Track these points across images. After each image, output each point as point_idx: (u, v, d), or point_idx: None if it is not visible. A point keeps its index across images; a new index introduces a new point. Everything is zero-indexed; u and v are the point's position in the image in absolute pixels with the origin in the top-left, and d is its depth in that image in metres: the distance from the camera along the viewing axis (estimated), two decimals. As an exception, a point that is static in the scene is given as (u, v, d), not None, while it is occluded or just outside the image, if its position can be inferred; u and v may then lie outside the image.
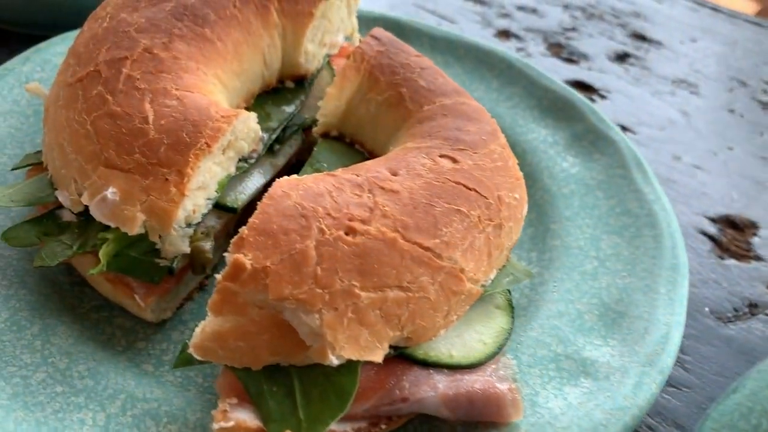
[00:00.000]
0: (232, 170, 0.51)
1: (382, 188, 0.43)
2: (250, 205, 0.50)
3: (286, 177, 0.44)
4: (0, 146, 0.59)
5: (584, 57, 0.92)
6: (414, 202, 0.42)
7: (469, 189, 0.45)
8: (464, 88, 0.72)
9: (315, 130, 0.56)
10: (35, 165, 0.53)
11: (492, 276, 0.46)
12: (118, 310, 0.51)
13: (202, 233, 0.50)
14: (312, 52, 0.61)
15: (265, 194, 0.41)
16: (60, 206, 0.49)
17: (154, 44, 0.51)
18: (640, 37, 0.97)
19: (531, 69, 0.73)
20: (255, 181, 0.55)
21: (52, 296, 0.51)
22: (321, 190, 0.42)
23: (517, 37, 0.93)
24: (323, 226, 0.39)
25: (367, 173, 0.44)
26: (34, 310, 0.49)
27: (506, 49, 0.90)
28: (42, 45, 0.67)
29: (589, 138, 0.67)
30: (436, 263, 0.41)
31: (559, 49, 0.93)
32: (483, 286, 0.45)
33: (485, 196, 0.45)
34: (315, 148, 0.55)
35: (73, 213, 0.48)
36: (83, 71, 0.50)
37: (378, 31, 0.57)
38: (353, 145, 0.56)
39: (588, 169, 0.65)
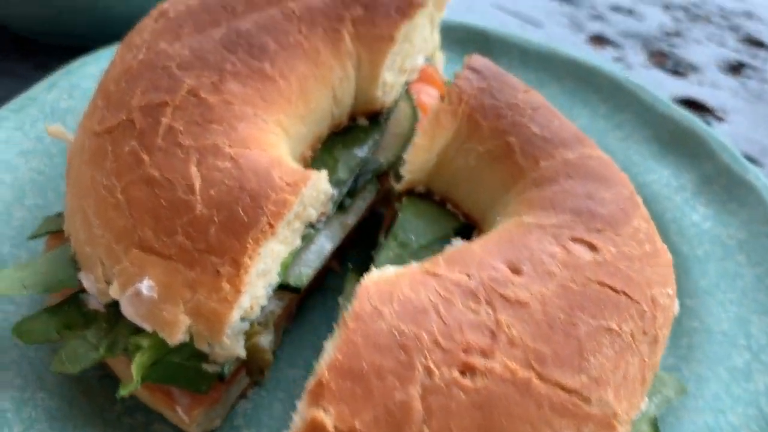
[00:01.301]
0: (297, 243, 0.41)
1: (505, 298, 0.32)
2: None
3: (374, 277, 0.33)
4: (19, 194, 0.49)
5: (692, 68, 0.79)
6: (549, 319, 0.31)
7: (617, 292, 0.34)
8: (565, 114, 0.61)
9: (398, 186, 0.45)
10: (56, 233, 0.43)
11: (643, 406, 0.35)
12: (157, 413, 0.41)
13: (259, 324, 0.39)
14: (390, 83, 0.50)
15: (350, 311, 0.31)
16: (84, 289, 0.39)
17: (200, 85, 0.40)
18: (756, 43, 0.84)
19: (644, 91, 0.61)
20: (322, 247, 0.44)
21: (77, 398, 0.41)
22: (423, 302, 0.31)
23: (613, 43, 0.81)
24: (431, 364, 0.29)
25: (479, 271, 0.33)
26: (54, 420, 0.39)
27: (602, 58, 0.78)
28: (71, 66, 0.58)
29: (722, 182, 0.55)
30: (584, 410, 0.30)
31: (662, 59, 0.80)
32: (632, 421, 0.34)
33: (637, 301, 0.34)
34: (399, 214, 0.44)
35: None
36: (113, 119, 0.40)
37: (477, 60, 0.46)
38: (444, 204, 0.45)
39: (724, 224, 0.53)
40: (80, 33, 0.67)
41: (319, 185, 0.40)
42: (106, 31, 0.68)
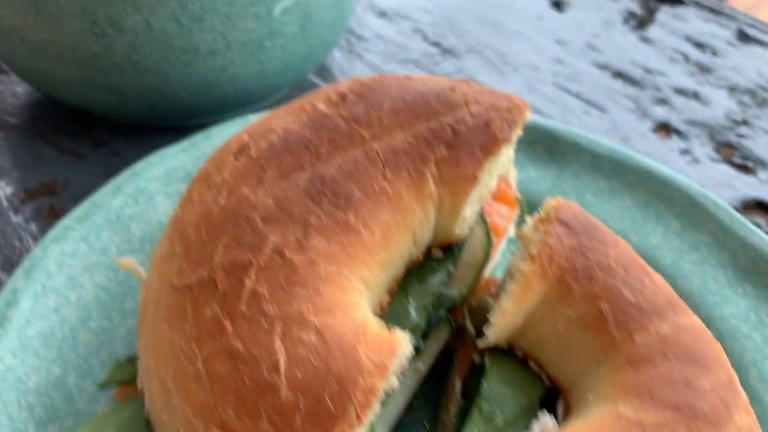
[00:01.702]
0: (377, 409, 0.39)
1: None
2: None
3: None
4: (84, 316, 0.48)
5: (761, 163, 0.76)
6: None
7: None
8: (638, 230, 0.59)
9: (480, 343, 0.44)
10: (127, 384, 0.42)
11: None
12: None
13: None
14: (468, 216, 0.48)
15: None
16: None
17: (285, 242, 0.39)
18: (827, 136, 0.81)
19: (721, 209, 0.59)
20: (396, 402, 0.43)
21: None
22: None
23: (678, 132, 0.78)
24: None
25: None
26: None
27: (668, 150, 0.75)
28: (136, 167, 0.56)
29: (806, 319, 0.53)
30: None
31: (729, 151, 0.77)
32: None
33: None
34: (483, 381, 0.42)
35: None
36: (194, 275, 0.38)
37: (566, 211, 0.44)
38: (527, 361, 0.43)
39: (810, 370, 0.50)
40: (142, 114, 0.66)
41: (403, 354, 0.39)
42: (168, 113, 0.67)
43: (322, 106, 0.46)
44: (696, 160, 0.75)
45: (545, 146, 0.65)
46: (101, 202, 0.54)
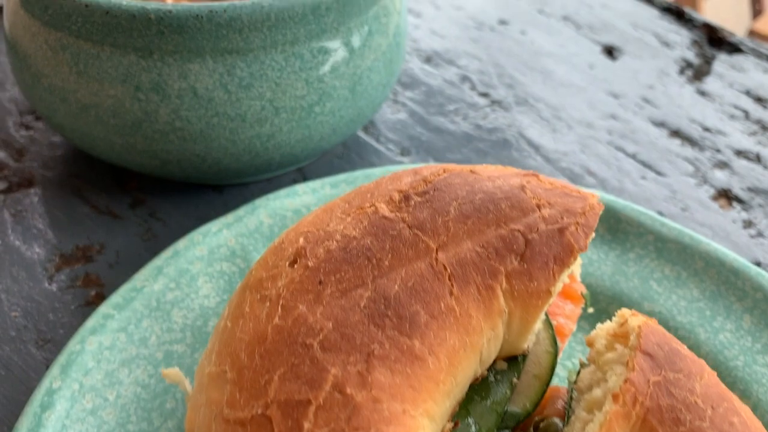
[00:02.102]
0: None
1: None
2: None
3: None
4: (122, 418, 0.45)
5: (830, 238, 0.72)
6: None
7: None
8: (706, 325, 0.55)
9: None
10: None
11: None
12: None
13: None
14: (536, 329, 0.45)
15: None
16: None
17: (346, 376, 0.36)
18: None
19: (796, 305, 0.55)
20: None
21: None
22: None
23: (740, 201, 0.74)
24: None
25: None
26: None
27: (731, 222, 0.71)
28: (178, 246, 0.54)
29: None
30: None
31: (795, 224, 0.73)
32: None
33: None
34: None
35: None
36: (247, 409, 0.35)
37: (650, 339, 0.40)
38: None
39: None
40: (183, 175, 0.64)
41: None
42: (210, 176, 0.64)
43: (384, 209, 0.42)
44: (760, 234, 0.71)
45: (607, 225, 0.61)
46: (141, 286, 0.51)
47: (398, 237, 0.41)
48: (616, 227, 0.61)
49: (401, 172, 0.47)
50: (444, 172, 0.45)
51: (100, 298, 0.58)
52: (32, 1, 0.56)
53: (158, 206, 0.66)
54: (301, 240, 0.42)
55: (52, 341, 0.55)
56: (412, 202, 0.43)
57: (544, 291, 0.41)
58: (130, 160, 0.61)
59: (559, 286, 0.44)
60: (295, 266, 0.40)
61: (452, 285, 0.40)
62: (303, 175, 0.71)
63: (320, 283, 0.39)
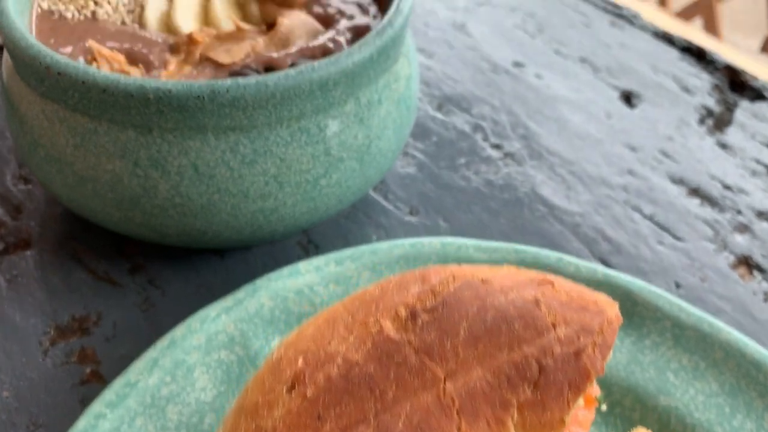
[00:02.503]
0: None
1: None
2: None
3: None
4: None
5: None
6: None
7: None
8: (725, 423, 0.53)
9: None
10: None
11: None
12: None
13: None
14: (549, 450, 0.42)
15: None
16: None
17: None
18: None
19: (821, 405, 0.53)
20: None
21: None
22: None
23: (761, 270, 0.72)
24: None
25: None
26: None
27: (751, 294, 0.69)
28: (175, 334, 0.51)
29: None
30: None
31: (819, 296, 0.70)
32: None
33: None
34: None
35: None
36: None
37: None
38: None
39: None
40: (183, 245, 0.61)
41: None
42: (210, 246, 0.62)
43: (389, 328, 0.40)
44: (781, 308, 0.69)
45: (623, 309, 0.59)
46: (135, 380, 0.49)
47: (404, 364, 0.38)
48: (632, 311, 0.58)
49: (408, 275, 0.44)
50: (454, 279, 0.43)
51: (96, 376, 0.56)
52: (27, 71, 0.53)
53: (158, 272, 0.64)
54: (300, 361, 0.39)
55: (44, 426, 0.53)
56: (420, 321, 0.40)
57: (558, 420, 0.39)
58: (129, 230, 0.59)
59: (573, 412, 0.41)
60: (293, 394, 0.38)
61: (460, 420, 0.37)
62: (307, 236, 0.69)
63: (319, 418, 0.37)
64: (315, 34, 0.64)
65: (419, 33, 0.97)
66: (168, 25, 0.63)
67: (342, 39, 0.63)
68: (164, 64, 0.59)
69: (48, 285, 0.62)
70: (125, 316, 0.60)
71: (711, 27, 2.76)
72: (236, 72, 0.59)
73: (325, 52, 0.62)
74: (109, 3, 0.63)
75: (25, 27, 0.56)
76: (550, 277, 0.45)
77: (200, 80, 0.52)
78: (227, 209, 0.56)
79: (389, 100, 0.61)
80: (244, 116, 0.52)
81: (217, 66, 0.59)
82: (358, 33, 0.64)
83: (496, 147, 0.81)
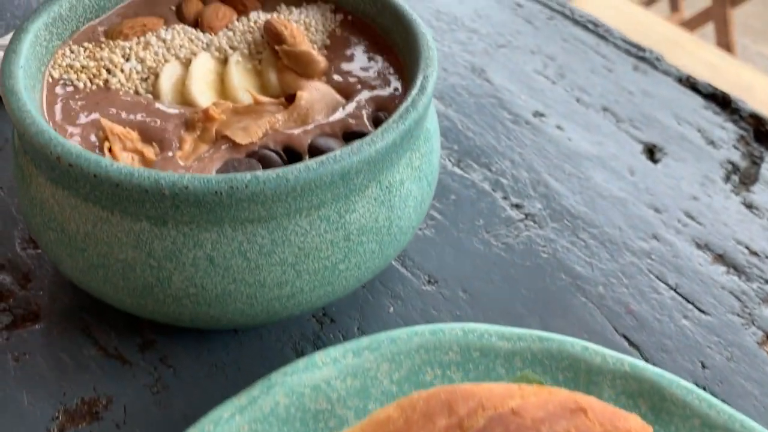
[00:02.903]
0: None
1: None
2: None
3: None
4: None
5: None
6: None
7: None
8: None
9: None
10: None
11: None
12: None
13: None
14: None
15: None
16: None
17: None
18: None
19: None
20: None
21: None
22: None
23: (790, 348, 0.69)
24: None
25: None
26: None
27: (779, 376, 0.67)
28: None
29: None
30: None
31: None
32: None
33: None
34: None
35: None
36: None
37: None
38: None
39: None
40: (197, 326, 0.60)
41: None
42: (223, 328, 0.60)
43: (415, 468, 0.38)
44: (811, 392, 0.67)
45: (650, 403, 0.57)
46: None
47: None
48: (660, 406, 0.56)
49: (434, 401, 0.42)
50: (483, 410, 0.41)
51: (104, 467, 0.55)
52: (37, 156, 0.52)
53: (169, 349, 0.62)
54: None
55: None
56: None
57: None
58: (141, 314, 0.57)
59: None
60: None
61: None
62: (323, 308, 0.67)
63: None
64: (335, 107, 0.62)
65: (437, 79, 0.94)
66: (183, 95, 0.61)
67: (363, 113, 0.61)
68: (179, 143, 0.57)
69: (57, 363, 0.60)
70: (136, 400, 0.58)
71: (722, 33, 2.73)
72: (253, 153, 0.57)
73: (345, 128, 0.60)
74: (122, 71, 0.61)
75: (36, 106, 0.54)
76: (583, 402, 0.43)
77: (218, 174, 0.50)
78: (242, 298, 0.54)
79: (411, 179, 0.59)
80: (263, 208, 0.51)
81: (234, 146, 0.57)
82: (380, 106, 0.62)
83: (517, 207, 0.79)
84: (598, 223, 0.78)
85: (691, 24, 2.68)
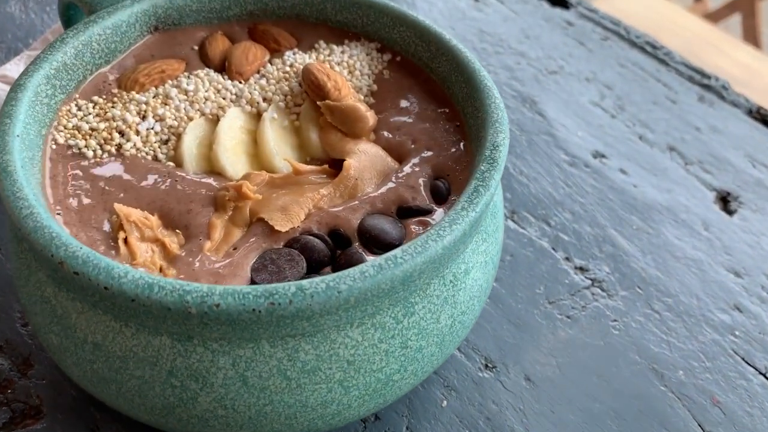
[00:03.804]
0: None
1: None
2: None
3: None
4: None
5: None
6: None
7: None
8: None
9: None
10: None
11: None
12: None
13: None
14: None
15: None
16: None
17: None
18: None
19: None
20: None
21: None
22: None
23: None
24: None
25: None
26: None
27: None
28: None
29: None
30: None
31: None
32: None
33: None
34: None
35: None
36: None
37: None
38: None
39: None
40: None
41: None
42: None
43: None
44: None
45: None
46: None
47: None
48: None
49: None
50: None
51: None
52: (37, 255, 0.43)
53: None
54: None
55: None
56: None
57: None
58: (160, 429, 0.48)
59: None
60: None
61: None
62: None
63: None
64: (386, 173, 0.53)
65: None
66: (210, 161, 0.52)
67: (420, 182, 0.52)
68: (207, 229, 0.48)
69: (61, 474, 0.52)
70: None
71: (750, 26, 2.61)
72: (295, 240, 0.48)
73: (400, 202, 0.51)
74: (137, 133, 0.52)
75: (34, 187, 0.45)
76: None
77: (255, 285, 0.40)
78: (280, 419, 0.45)
79: (477, 265, 0.50)
80: (308, 323, 0.42)
81: (273, 232, 0.48)
82: (439, 171, 0.53)
83: (581, 270, 0.70)
84: (673, 290, 0.69)
85: (716, 16, 2.55)
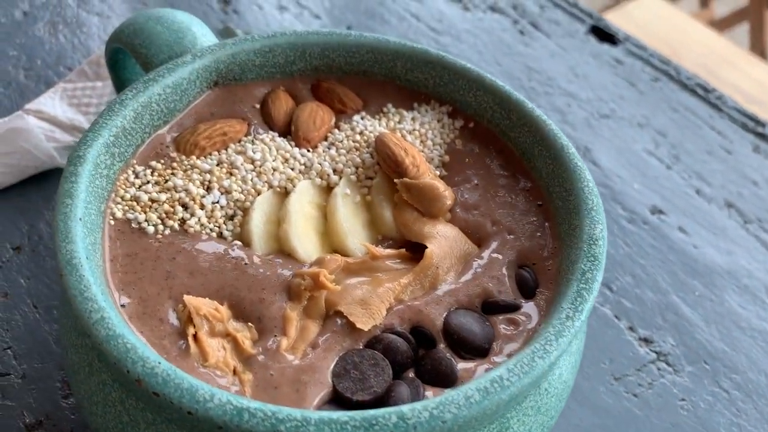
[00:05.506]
0: None
1: None
2: None
3: None
4: None
5: None
6: None
7: None
8: None
9: None
10: None
11: None
12: None
13: None
14: None
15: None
16: None
17: None
18: None
19: None
20: None
21: None
22: None
23: None
24: None
25: None
26: None
27: None
28: None
29: None
30: None
31: None
32: None
33: None
34: None
35: None
36: None
37: None
38: None
39: None
40: None
41: None
42: None
43: None
44: None
45: None
46: None
47: None
48: None
49: None
50: None
51: None
52: (109, 364, 0.39)
53: None
54: None
55: None
56: None
57: None
58: None
59: None
60: None
61: None
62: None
63: None
64: (467, 259, 0.49)
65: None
66: (279, 240, 0.48)
67: (504, 271, 0.49)
68: (282, 323, 0.44)
69: None
70: None
71: (758, 36, 2.58)
72: (376, 339, 0.44)
73: (485, 295, 0.47)
74: (201, 207, 0.48)
75: (101, 283, 0.41)
76: None
77: (354, 414, 0.37)
78: None
79: (566, 365, 0.47)
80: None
81: (352, 328, 0.44)
82: (523, 257, 0.50)
83: (646, 342, 0.66)
84: (741, 366, 0.66)
85: (722, 25, 2.50)
